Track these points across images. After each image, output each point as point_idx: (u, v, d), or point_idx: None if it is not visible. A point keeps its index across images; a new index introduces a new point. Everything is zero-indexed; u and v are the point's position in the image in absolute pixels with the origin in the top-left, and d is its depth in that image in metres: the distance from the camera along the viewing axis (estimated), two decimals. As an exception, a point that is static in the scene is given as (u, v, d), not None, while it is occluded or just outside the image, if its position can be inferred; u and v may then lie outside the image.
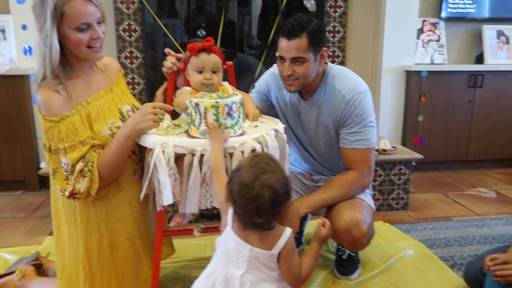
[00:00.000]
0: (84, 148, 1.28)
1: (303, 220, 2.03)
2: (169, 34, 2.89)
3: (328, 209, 1.59)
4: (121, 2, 2.89)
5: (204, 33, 2.76)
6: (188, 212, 1.29)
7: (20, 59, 2.79)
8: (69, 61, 1.31)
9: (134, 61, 2.99)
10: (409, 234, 2.20)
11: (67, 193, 1.29)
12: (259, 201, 0.98)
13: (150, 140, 1.28)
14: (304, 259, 1.10)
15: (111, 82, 1.44)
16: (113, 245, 1.38)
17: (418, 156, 2.55)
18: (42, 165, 2.80)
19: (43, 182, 2.82)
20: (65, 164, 1.28)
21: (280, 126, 1.40)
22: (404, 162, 2.52)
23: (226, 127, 1.24)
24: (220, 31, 2.90)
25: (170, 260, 1.87)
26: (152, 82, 3.08)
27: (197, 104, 1.24)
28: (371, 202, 1.65)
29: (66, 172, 1.29)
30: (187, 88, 1.45)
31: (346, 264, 1.81)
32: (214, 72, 1.41)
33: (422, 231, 2.26)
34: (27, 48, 2.69)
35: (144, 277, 1.46)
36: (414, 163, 2.58)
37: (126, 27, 2.93)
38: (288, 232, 1.05)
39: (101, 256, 1.38)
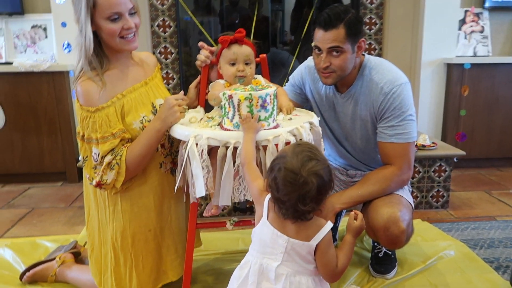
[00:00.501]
0: (115, 141, 1.31)
1: (338, 216, 1.99)
2: (202, 29, 2.90)
3: (364, 206, 1.54)
4: (156, -2, 2.93)
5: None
6: (221, 205, 1.29)
7: (60, 56, 2.90)
8: (105, 52, 1.35)
9: (169, 56, 3.03)
10: (450, 233, 2.10)
11: (94, 182, 1.33)
12: (306, 188, 0.97)
13: (183, 132, 1.28)
14: (339, 252, 1.07)
15: (147, 76, 1.46)
16: (135, 236, 1.41)
17: (460, 152, 2.43)
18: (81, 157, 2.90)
19: (82, 174, 2.91)
20: (95, 154, 1.32)
21: (315, 119, 1.37)
22: (445, 158, 2.40)
23: (260, 119, 1.22)
24: (254, 26, 2.88)
25: (203, 253, 1.89)
26: (186, 77, 3.11)
27: (230, 97, 1.22)
28: (410, 199, 1.58)
29: (95, 162, 1.32)
30: (221, 81, 1.43)
31: (383, 263, 1.75)
32: (246, 63, 1.40)
33: (464, 230, 2.15)
34: (66, 45, 2.79)
35: (163, 269, 1.48)
36: (455, 160, 2.46)
37: (161, 23, 2.97)
38: (329, 225, 1.04)
39: (123, 245, 1.41)
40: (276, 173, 0.99)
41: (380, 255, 1.75)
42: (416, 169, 2.40)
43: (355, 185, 1.55)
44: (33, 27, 2.97)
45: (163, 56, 3.02)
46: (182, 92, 1.39)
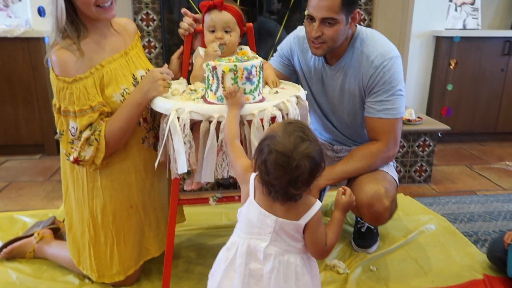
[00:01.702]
0: (94, 114, 1.26)
1: (322, 191, 1.97)
2: (186, -5, 2.77)
3: (349, 182, 1.53)
4: (136, -39, 2.76)
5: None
6: (204, 181, 1.25)
7: (35, 21, 2.74)
8: (83, 21, 1.28)
9: (151, 23, 2.89)
10: (431, 207, 2.13)
11: (71, 158, 1.28)
12: (298, 171, 0.92)
13: (165, 105, 1.22)
14: (328, 229, 1.05)
15: (127, 45, 1.40)
16: (116, 213, 1.38)
17: (445, 127, 2.43)
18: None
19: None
20: (73, 127, 1.27)
21: (302, 92, 1.32)
22: (430, 133, 2.40)
23: (245, 93, 1.17)
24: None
25: (185, 228, 1.87)
26: (169, 46, 2.99)
27: (214, 68, 1.16)
28: (395, 175, 1.57)
29: (73, 136, 1.27)
30: (201, 50, 1.37)
31: (365, 237, 1.76)
32: (226, 31, 1.33)
33: (445, 205, 2.18)
34: (41, 9, 2.63)
35: (146, 246, 1.46)
36: (439, 135, 2.46)
37: (142, -13, 2.81)
38: (318, 204, 1.00)
39: (104, 222, 1.38)
40: (267, 156, 0.94)
41: (363, 230, 1.76)
42: (401, 144, 2.40)
43: (340, 161, 1.53)
44: (4, -12, 2.80)
45: (144, 23, 2.89)
46: (166, 65, 1.33)
